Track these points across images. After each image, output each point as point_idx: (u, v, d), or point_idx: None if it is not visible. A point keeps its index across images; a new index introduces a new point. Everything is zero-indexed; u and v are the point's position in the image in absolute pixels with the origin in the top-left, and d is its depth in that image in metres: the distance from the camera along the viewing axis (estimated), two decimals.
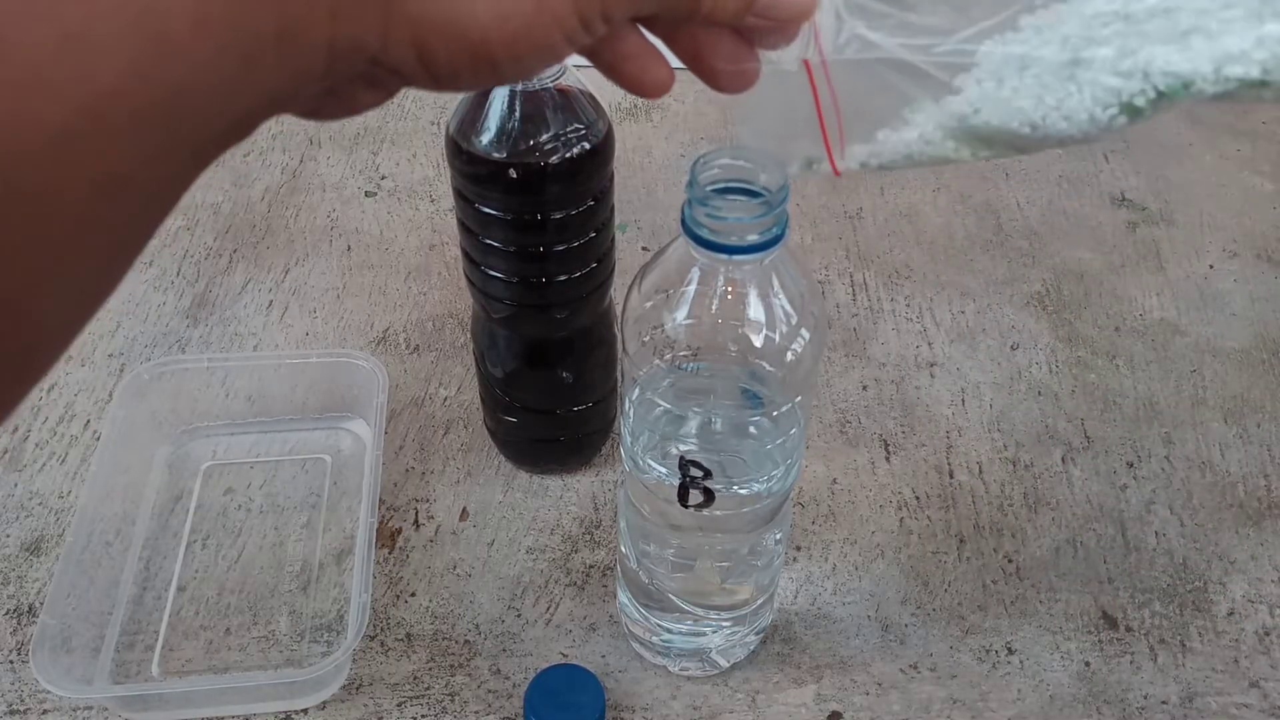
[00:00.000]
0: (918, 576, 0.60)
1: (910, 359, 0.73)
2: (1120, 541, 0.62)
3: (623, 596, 0.56)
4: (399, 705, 0.54)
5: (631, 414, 0.47)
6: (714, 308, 0.43)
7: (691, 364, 0.45)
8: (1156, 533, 0.63)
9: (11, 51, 0.20)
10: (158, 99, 0.22)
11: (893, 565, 0.61)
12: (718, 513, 0.47)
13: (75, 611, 0.55)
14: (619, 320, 0.50)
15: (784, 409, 0.46)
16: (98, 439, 0.65)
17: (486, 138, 0.51)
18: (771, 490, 0.48)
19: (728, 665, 0.56)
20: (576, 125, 0.51)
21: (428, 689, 0.55)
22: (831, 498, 0.64)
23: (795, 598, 0.59)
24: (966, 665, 0.56)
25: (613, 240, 0.57)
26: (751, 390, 0.45)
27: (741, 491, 0.47)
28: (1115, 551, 0.62)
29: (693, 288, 0.42)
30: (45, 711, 0.54)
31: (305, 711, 0.54)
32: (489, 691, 0.55)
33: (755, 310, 0.43)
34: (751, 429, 0.47)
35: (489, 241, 0.54)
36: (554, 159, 0.51)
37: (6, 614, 0.58)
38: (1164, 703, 0.55)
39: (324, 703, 0.54)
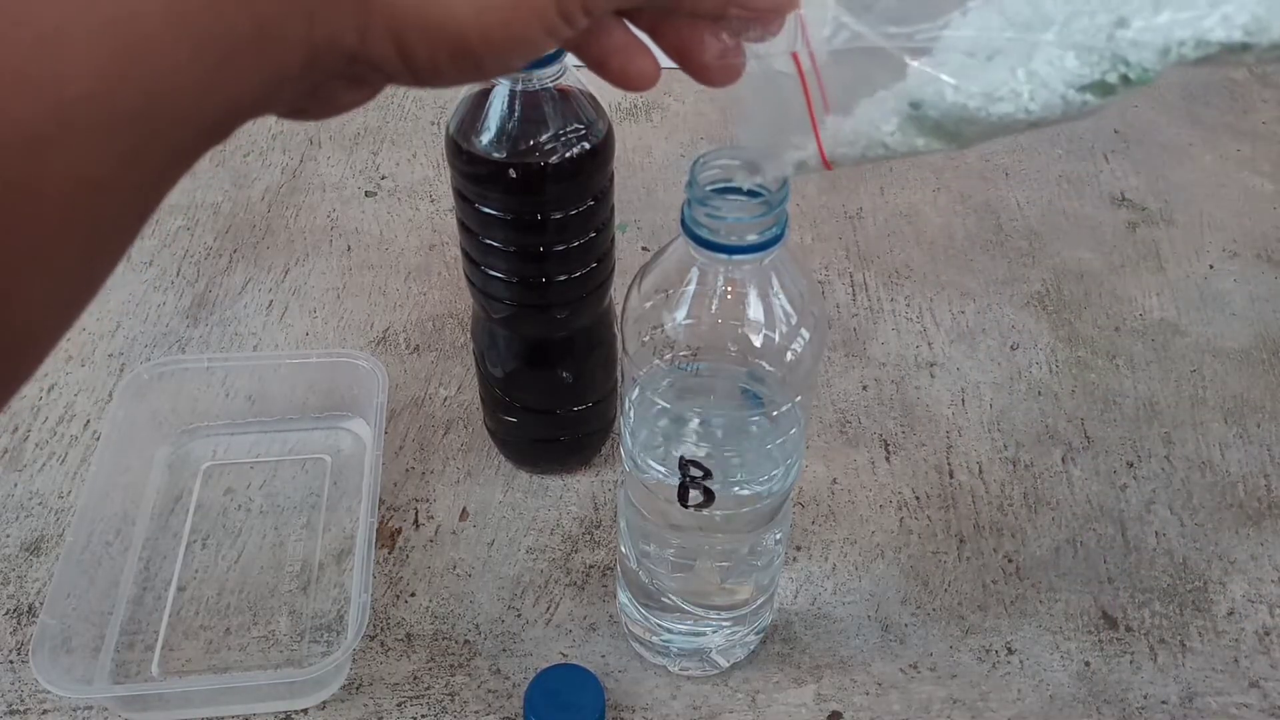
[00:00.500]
0: (918, 576, 0.60)
1: (910, 359, 0.73)
2: (1120, 541, 0.62)
3: (623, 596, 0.56)
4: (399, 705, 0.54)
5: (631, 414, 0.47)
6: (714, 308, 0.43)
7: (691, 364, 0.45)
8: (1156, 533, 0.63)
9: None
10: (134, 99, 0.22)
11: (893, 565, 0.61)
12: (718, 513, 0.47)
13: (75, 611, 0.55)
14: (619, 320, 0.50)
15: (784, 409, 0.46)
16: (98, 439, 0.65)
17: (486, 138, 0.51)
18: (771, 490, 0.48)
19: (728, 665, 0.56)
20: (576, 125, 0.52)
21: (428, 689, 0.55)
22: (831, 498, 0.64)
23: (795, 598, 0.59)
24: (966, 665, 0.56)
25: (613, 240, 0.57)
26: (751, 390, 0.45)
27: (741, 492, 0.47)
28: (1115, 551, 0.62)
29: (692, 288, 0.42)
30: (45, 711, 0.54)
31: (305, 711, 0.54)
32: (489, 691, 0.55)
33: (755, 310, 0.43)
34: (751, 429, 0.47)
35: (489, 241, 0.54)
36: (554, 159, 0.51)
37: (6, 614, 0.58)
38: (1164, 703, 0.55)
39: (324, 703, 0.54)
